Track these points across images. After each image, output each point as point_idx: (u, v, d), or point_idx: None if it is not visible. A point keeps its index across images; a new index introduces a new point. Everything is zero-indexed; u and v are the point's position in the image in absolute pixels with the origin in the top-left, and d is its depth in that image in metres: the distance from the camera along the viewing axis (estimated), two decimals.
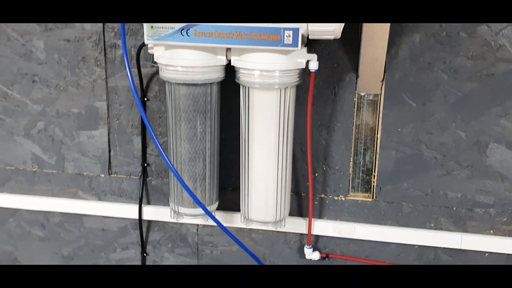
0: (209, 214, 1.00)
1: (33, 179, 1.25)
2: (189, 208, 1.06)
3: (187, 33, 0.90)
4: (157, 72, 1.11)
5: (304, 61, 0.93)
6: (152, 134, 0.92)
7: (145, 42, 0.92)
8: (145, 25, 0.91)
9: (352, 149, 1.08)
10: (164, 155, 0.94)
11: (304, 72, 0.96)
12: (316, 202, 1.12)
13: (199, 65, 0.94)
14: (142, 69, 1.11)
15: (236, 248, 1.20)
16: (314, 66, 0.94)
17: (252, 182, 1.02)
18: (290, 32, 0.86)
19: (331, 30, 0.88)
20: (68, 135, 1.20)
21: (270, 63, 0.91)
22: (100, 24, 1.10)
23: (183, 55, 0.94)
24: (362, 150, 1.08)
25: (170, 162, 0.98)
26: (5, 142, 1.23)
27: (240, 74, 0.95)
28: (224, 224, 1.16)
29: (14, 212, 1.29)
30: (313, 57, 0.94)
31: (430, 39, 0.98)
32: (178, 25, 0.89)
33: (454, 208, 1.07)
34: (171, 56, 0.94)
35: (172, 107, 1.00)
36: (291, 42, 0.87)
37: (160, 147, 0.92)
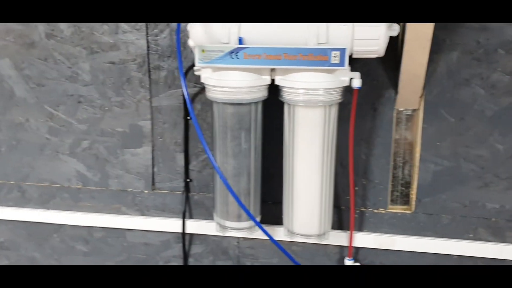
0: (260, 226, 1.03)
1: (77, 196, 1.29)
2: (234, 222, 1.09)
3: (236, 55, 0.94)
4: (199, 92, 1.16)
5: (347, 79, 0.97)
6: (203, 142, 0.95)
7: (196, 65, 0.97)
8: (196, 49, 0.95)
9: (391, 163, 1.11)
10: (217, 167, 0.98)
11: (345, 89, 0.99)
12: (356, 215, 1.15)
13: (245, 86, 0.98)
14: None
15: (276, 261, 1.23)
16: (357, 83, 0.98)
17: (296, 196, 1.05)
18: (337, 53, 0.90)
19: (375, 50, 0.93)
20: (112, 153, 1.24)
21: (315, 82, 0.95)
22: (145, 47, 1.15)
23: (230, 76, 0.98)
24: (401, 164, 1.12)
25: (222, 176, 1.02)
26: (51, 160, 1.28)
27: (285, 93, 0.99)
28: (266, 237, 1.20)
29: (58, 228, 1.33)
30: (356, 75, 0.97)
31: (467, 56, 1.01)
32: (228, 48, 0.94)
33: (493, 219, 1.09)
34: (219, 78, 0.99)
35: (219, 125, 1.04)
36: (338, 62, 0.91)
37: (211, 156, 0.96)
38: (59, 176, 1.29)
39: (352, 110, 1.02)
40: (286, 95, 0.99)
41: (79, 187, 1.29)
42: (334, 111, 1.00)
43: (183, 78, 0.91)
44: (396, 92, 1.06)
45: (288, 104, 1.00)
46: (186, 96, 0.93)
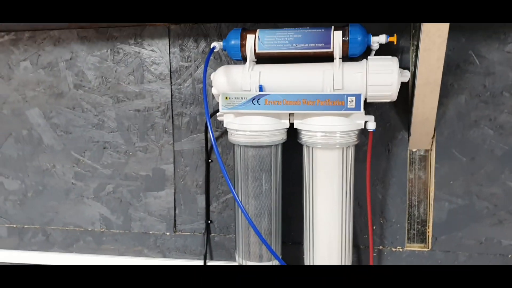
0: (282, 263, 1.06)
1: (101, 239, 1.33)
2: (256, 262, 1.12)
3: (258, 101, 1.00)
4: (219, 136, 1.21)
5: (362, 122, 1.02)
6: (228, 181, 1.00)
7: (220, 111, 1.03)
8: (220, 96, 1.02)
9: (407, 202, 1.15)
10: (242, 206, 1.02)
11: (360, 131, 1.05)
12: (374, 254, 1.18)
13: (266, 130, 1.04)
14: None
15: None
16: (372, 126, 1.03)
17: (316, 236, 1.09)
18: (353, 98, 0.96)
19: (389, 95, 0.99)
20: (135, 196, 1.29)
21: (332, 125, 1.01)
22: (169, 95, 1.22)
23: (252, 121, 1.04)
24: (417, 203, 1.15)
25: (247, 214, 1.06)
26: (75, 205, 1.32)
27: (303, 136, 1.05)
28: None
29: None
30: (371, 118, 1.03)
31: (475, 99, 1.07)
32: (250, 95, 1.00)
33: (510, 256, 1.12)
34: (242, 122, 1.05)
35: (241, 167, 1.09)
36: (354, 106, 0.96)
37: (236, 195, 1.00)
38: (83, 220, 1.33)
39: (368, 152, 1.06)
40: (305, 138, 1.04)
41: (102, 230, 1.32)
42: (351, 153, 1.05)
43: (209, 121, 0.97)
44: (409, 134, 1.11)
45: (307, 147, 1.06)
46: (212, 137, 0.98)
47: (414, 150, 1.14)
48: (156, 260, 1.29)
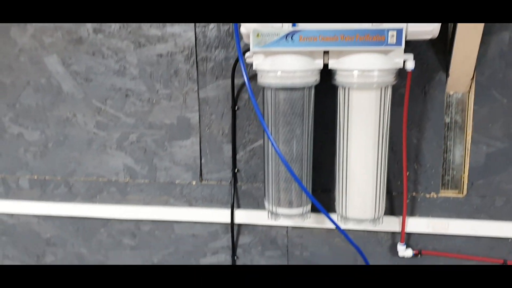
0: (322, 209, 1.03)
1: (125, 189, 1.31)
2: (286, 208, 1.10)
3: (291, 38, 0.95)
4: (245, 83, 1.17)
5: (401, 61, 0.97)
6: (264, 126, 0.96)
7: (251, 50, 0.98)
8: (251, 33, 0.96)
9: (443, 147, 1.11)
10: (278, 150, 0.98)
11: (397, 73, 1.00)
12: (408, 201, 1.15)
13: (299, 69, 0.99)
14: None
15: (326, 249, 1.23)
16: (410, 65, 0.98)
17: (350, 182, 1.06)
18: (394, 32, 0.91)
19: (430, 30, 0.93)
20: (160, 146, 1.25)
21: (370, 63, 0.96)
22: (193, 39, 1.17)
23: (284, 60, 0.99)
24: (452, 147, 1.11)
25: (283, 158, 1.02)
26: (98, 155, 1.29)
27: (338, 76, 1.00)
28: (316, 225, 1.20)
29: (105, 222, 1.34)
30: (410, 57, 0.98)
31: None
32: (283, 32, 0.95)
33: None
34: (273, 62, 1.00)
35: (272, 111, 1.05)
36: (394, 42, 0.91)
37: (272, 140, 0.97)
38: (107, 170, 1.30)
39: (405, 93, 1.02)
40: (340, 78, 1.00)
41: (126, 180, 1.30)
42: (388, 94, 1.00)
43: (241, 60, 0.92)
44: (447, 75, 1.06)
45: (342, 88, 1.01)
46: (246, 79, 0.94)
47: (451, 92, 1.09)
48: (182, 209, 1.27)
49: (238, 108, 1.19)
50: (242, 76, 1.16)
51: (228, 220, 1.24)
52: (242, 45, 1.09)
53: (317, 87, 1.04)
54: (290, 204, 1.09)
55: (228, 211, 1.23)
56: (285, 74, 1.00)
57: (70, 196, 1.34)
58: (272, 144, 0.96)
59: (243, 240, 1.27)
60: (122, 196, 1.31)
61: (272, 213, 1.11)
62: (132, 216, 1.31)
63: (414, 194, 1.15)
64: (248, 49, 0.99)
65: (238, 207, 1.25)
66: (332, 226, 1.12)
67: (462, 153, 1.11)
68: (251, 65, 1.04)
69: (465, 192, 1.12)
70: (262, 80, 1.03)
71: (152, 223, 1.31)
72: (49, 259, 1.41)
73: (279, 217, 1.11)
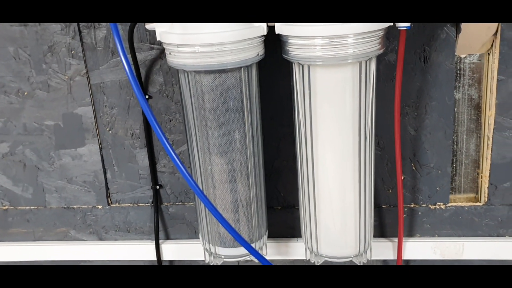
0: (264, 262, 0.68)
1: (6, 220, 0.92)
2: (231, 248, 0.74)
3: None
4: (159, 57, 0.78)
5: None
6: (164, 143, 0.59)
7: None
8: None
9: (453, 136, 0.77)
10: (187, 174, 0.61)
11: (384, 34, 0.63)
12: (404, 216, 0.81)
13: (229, 40, 0.61)
14: (137, 54, 0.77)
15: None
16: None
17: (320, 201, 0.70)
18: None
19: None
20: (44, 158, 0.86)
21: (341, 26, 0.58)
22: None
23: (203, 27, 0.60)
24: (465, 136, 0.77)
25: (197, 186, 0.65)
26: None
27: (292, 47, 0.62)
28: (279, 258, 0.86)
29: None
30: None
31: None
32: None
33: None
34: (186, 31, 0.61)
35: (193, 107, 0.67)
36: None
37: (179, 163, 0.60)
38: None
39: (398, 63, 0.66)
40: (294, 50, 0.62)
41: (5, 207, 0.91)
42: (371, 70, 0.64)
43: (116, 34, 0.54)
44: (458, 30, 0.70)
45: (300, 65, 0.64)
46: (125, 65, 0.55)
47: (463, 56, 0.73)
48: (88, 245, 0.90)
49: (150, 97, 0.81)
50: (148, 50, 0.77)
51: (154, 257, 0.88)
52: None
53: (262, 64, 0.67)
54: (235, 242, 0.74)
55: (153, 245, 0.87)
56: (208, 49, 0.61)
57: None
58: (176, 166, 0.59)
59: None
60: (3, 229, 0.93)
61: (210, 253, 0.76)
62: (16, 257, 0.93)
63: (412, 205, 0.81)
64: None
65: (167, 237, 0.89)
66: (302, 257, 0.79)
67: (480, 144, 0.77)
68: (154, 33, 0.66)
69: (485, 199, 0.79)
70: (172, 59, 0.64)
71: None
72: None
73: (220, 259, 0.75)
